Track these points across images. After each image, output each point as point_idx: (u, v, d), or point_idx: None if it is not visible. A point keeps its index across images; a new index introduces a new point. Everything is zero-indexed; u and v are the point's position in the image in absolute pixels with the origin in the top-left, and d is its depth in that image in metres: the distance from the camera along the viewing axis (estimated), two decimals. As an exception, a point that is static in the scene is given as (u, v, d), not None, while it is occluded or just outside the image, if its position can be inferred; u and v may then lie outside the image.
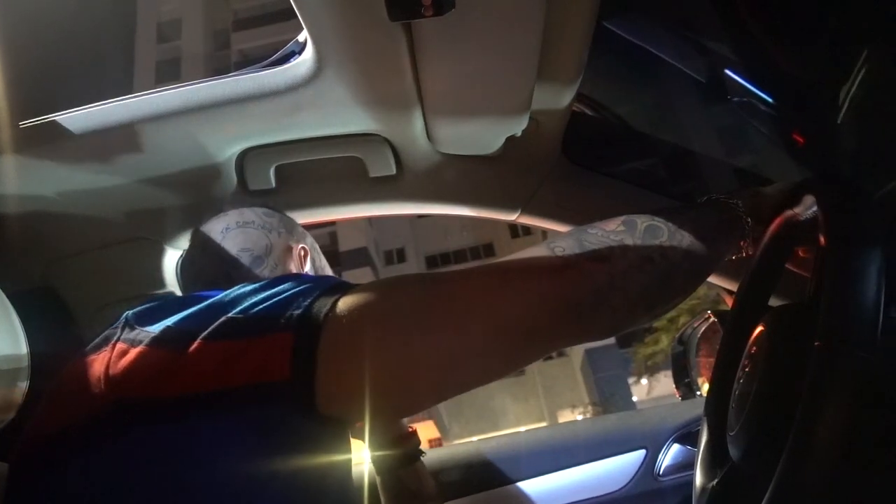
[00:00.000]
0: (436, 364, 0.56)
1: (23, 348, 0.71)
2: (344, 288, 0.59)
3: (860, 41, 0.96)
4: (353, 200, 1.19)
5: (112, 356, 0.59)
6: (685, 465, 1.33)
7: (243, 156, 1.08)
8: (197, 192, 1.10)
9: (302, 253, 0.93)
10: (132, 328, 0.62)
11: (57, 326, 1.10)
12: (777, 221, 0.74)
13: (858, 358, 0.48)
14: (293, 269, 0.90)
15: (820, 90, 1.08)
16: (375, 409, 0.55)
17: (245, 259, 0.87)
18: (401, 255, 27.07)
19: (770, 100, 1.14)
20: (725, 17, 1.13)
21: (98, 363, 0.60)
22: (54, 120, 0.93)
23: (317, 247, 0.99)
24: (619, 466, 1.35)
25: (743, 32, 1.12)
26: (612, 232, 0.63)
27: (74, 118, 0.94)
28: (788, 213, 0.73)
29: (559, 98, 0.99)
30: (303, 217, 1.14)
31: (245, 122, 0.99)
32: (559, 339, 0.61)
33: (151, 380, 0.56)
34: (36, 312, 0.74)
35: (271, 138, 1.05)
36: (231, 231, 0.89)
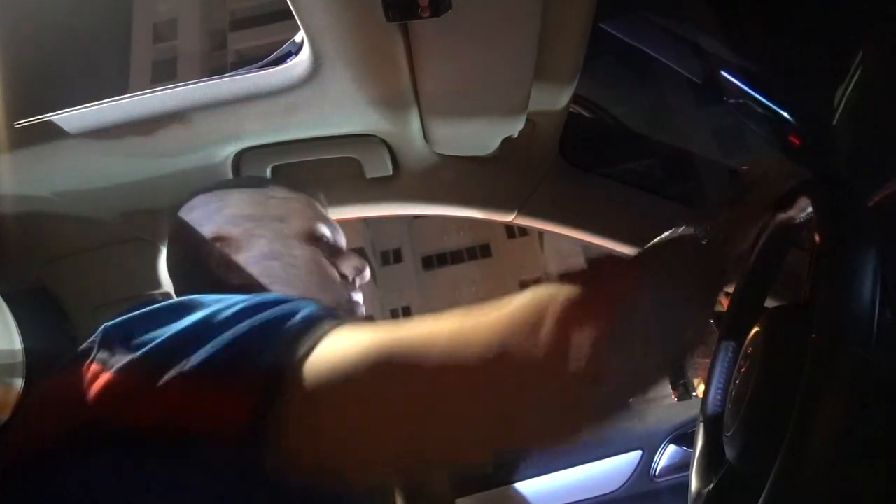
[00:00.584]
0: (398, 454, 0.54)
1: (18, 348, 0.70)
2: (321, 329, 0.55)
3: (856, 43, 0.97)
4: (350, 201, 1.19)
5: (86, 377, 0.58)
6: (681, 466, 1.34)
7: (240, 156, 1.08)
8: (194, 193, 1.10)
9: (227, 244, 0.83)
10: (107, 347, 0.60)
11: (52, 327, 1.10)
12: (773, 223, 0.74)
13: (855, 356, 0.49)
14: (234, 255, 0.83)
15: (816, 92, 1.08)
16: (332, 481, 0.54)
17: (191, 258, 0.84)
18: (397, 256, 27.09)
19: (766, 101, 1.14)
20: (722, 19, 1.14)
21: (72, 383, 0.59)
22: (50, 120, 0.93)
23: (267, 223, 0.85)
24: (616, 467, 1.35)
25: (739, 34, 1.12)
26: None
27: (70, 118, 0.93)
28: (783, 215, 0.73)
29: (556, 99, 1.00)
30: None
31: (241, 122, 0.99)
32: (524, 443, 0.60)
33: (118, 409, 0.55)
34: (31, 313, 0.74)
35: (268, 139, 1.05)
36: (179, 228, 0.87)
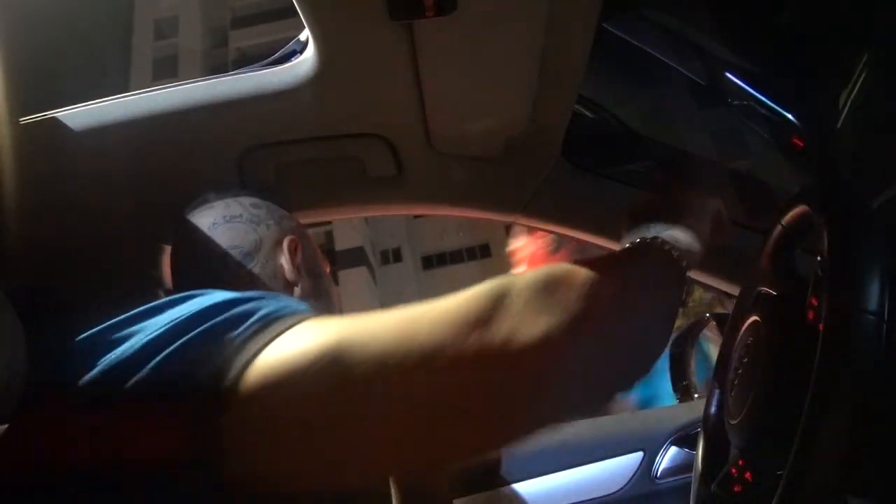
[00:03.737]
0: (336, 460, 0.49)
1: (21, 348, 0.70)
2: (279, 327, 0.50)
3: (861, 45, 0.96)
4: (353, 201, 1.19)
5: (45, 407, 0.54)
6: (683, 468, 1.33)
7: (243, 155, 1.08)
8: (196, 191, 1.10)
9: (293, 246, 0.89)
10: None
11: (55, 325, 1.10)
12: (777, 227, 0.74)
13: (863, 363, 0.48)
14: (284, 262, 0.87)
15: (820, 94, 1.08)
16: (298, 486, 0.49)
17: (235, 257, 0.84)
18: (397, 255, 27.08)
19: (770, 103, 1.14)
20: (726, 21, 1.14)
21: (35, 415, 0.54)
22: (54, 116, 0.93)
23: (307, 234, 0.96)
24: (617, 468, 1.35)
25: (744, 36, 1.12)
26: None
27: (75, 115, 0.93)
28: (787, 218, 0.73)
29: (560, 100, 0.99)
30: (302, 217, 1.13)
31: (245, 121, 0.99)
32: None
33: (69, 442, 0.50)
34: (34, 311, 0.74)
35: (271, 138, 1.05)
36: (218, 227, 0.87)
